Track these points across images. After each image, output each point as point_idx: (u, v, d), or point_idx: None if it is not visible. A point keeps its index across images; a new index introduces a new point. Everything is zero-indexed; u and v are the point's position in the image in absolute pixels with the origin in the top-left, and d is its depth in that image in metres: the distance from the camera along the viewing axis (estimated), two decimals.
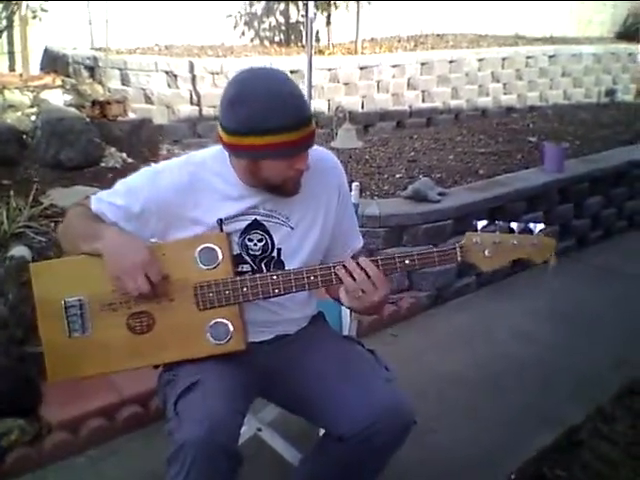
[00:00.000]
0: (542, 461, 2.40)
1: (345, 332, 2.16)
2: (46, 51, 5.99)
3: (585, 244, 4.70)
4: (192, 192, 1.66)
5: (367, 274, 1.57)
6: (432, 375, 2.97)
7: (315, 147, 1.77)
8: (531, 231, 1.59)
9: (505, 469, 2.36)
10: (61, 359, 1.67)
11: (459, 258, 1.61)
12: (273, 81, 1.56)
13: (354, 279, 1.58)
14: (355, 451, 1.64)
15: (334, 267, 1.61)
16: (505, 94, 7.77)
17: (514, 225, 1.59)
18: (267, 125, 1.51)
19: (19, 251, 2.93)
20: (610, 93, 8.34)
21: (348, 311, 2.19)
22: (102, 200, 1.72)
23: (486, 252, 1.59)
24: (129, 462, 2.36)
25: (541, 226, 1.59)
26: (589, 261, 4.43)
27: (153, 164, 1.78)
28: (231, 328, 1.64)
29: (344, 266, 1.59)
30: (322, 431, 1.82)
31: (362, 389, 1.64)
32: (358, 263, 1.58)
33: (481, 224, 1.60)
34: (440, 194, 3.83)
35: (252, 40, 7.35)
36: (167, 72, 5.75)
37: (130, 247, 1.61)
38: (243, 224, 1.69)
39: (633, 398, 2.78)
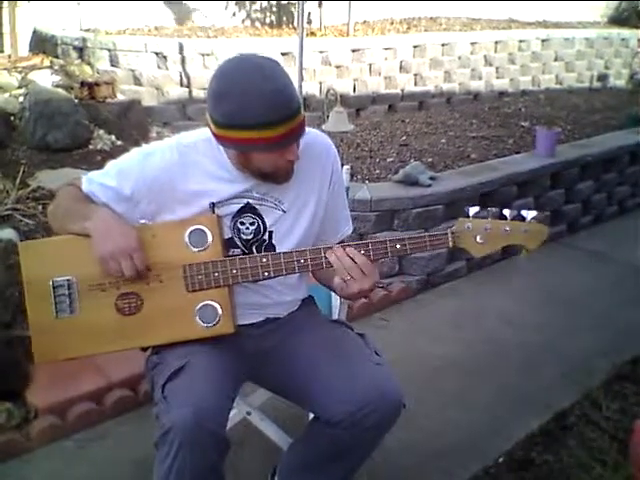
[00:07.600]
0: (530, 445, 2.41)
1: (335, 316, 2.15)
2: (35, 32, 5.92)
3: (576, 229, 4.71)
4: (183, 173, 1.64)
5: (354, 261, 1.57)
6: (421, 359, 2.97)
7: (309, 129, 1.75)
8: (523, 218, 1.58)
9: (493, 453, 2.37)
10: (48, 340, 1.65)
11: (451, 244, 1.60)
12: (255, 76, 1.48)
13: (344, 265, 1.57)
14: (344, 435, 1.64)
15: (324, 251, 1.60)
16: (497, 78, 7.73)
17: (506, 212, 1.58)
18: (249, 122, 1.48)
19: (6, 234, 2.90)
20: (602, 78, 8.32)
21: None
22: (93, 181, 1.70)
23: (478, 238, 1.59)
24: (118, 446, 2.35)
25: (533, 213, 1.58)
26: (579, 246, 4.44)
27: (144, 144, 1.75)
28: (220, 311, 1.63)
29: (334, 251, 1.58)
30: (312, 415, 1.81)
31: (351, 373, 1.63)
32: (347, 252, 1.58)
33: (473, 210, 1.59)
34: (431, 178, 3.81)
35: (243, 21, 7.26)
36: (157, 53, 5.68)
37: (118, 230, 1.59)
38: (235, 207, 1.67)
39: (622, 383, 2.79)
